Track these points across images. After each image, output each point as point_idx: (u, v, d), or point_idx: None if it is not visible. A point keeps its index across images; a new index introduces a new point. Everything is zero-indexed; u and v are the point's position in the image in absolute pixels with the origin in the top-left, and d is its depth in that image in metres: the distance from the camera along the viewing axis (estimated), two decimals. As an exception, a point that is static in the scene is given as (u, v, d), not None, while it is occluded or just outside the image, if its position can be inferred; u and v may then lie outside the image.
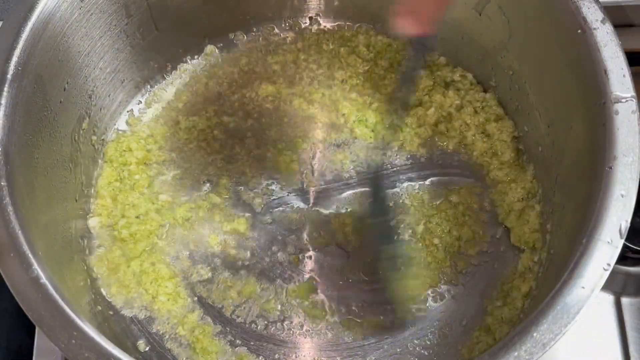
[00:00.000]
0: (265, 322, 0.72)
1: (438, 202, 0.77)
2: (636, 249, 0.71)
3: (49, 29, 0.65)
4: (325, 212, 0.78)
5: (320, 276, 0.75)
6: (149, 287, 0.73)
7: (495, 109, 0.80)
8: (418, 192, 0.78)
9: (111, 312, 0.72)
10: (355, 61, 0.85)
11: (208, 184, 0.79)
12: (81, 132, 0.74)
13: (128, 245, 0.75)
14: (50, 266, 0.56)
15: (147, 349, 0.71)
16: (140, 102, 0.85)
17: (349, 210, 0.78)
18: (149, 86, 0.85)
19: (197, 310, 0.73)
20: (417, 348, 0.71)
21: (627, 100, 0.57)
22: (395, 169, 0.80)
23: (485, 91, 0.82)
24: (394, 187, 0.79)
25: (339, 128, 0.82)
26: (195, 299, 0.74)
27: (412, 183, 0.79)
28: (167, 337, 0.71)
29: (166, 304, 0.73)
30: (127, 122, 0.83)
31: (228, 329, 0.72)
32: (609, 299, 0.74)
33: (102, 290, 0.72)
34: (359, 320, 0.72)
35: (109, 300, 0.72)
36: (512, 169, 0.78)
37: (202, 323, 0.72)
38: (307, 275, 0.75)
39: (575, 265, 0.52)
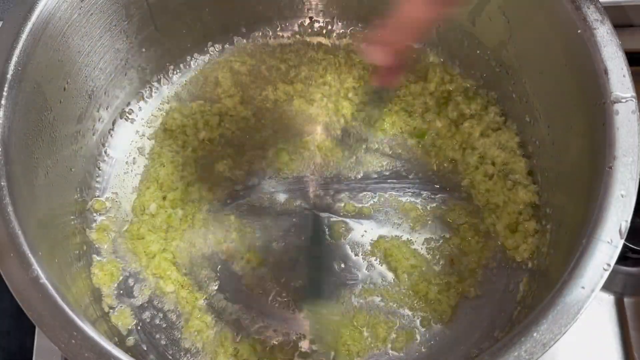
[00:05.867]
0: (266, 322, 0.72)
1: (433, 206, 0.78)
2: (636, 249, 0.71)
3: (49, 29, 0.65)
4: (325, 212, 0.78)
5: (321, 276, 0.74)
6: (149, 286, 0.73)
7: (497, 119, 0.80)
8: (417, 192, 0.78)
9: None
10: (355, 61, 0.85)
11: (207, 184, 0.79)
12: (81, 132, 0.74)
13: (128, 245, 0.75)
14: (50, 266, 0.56)
15: (146, 349, 0.71)
16: (141, 102, 0.85)
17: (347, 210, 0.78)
18: (149, 86, 0.85)
19: (197, 311, 0.73)
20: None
21: (627, 100, 0.57)
22: (394, 169, 0.80)
23: (488, 102, 0.81)
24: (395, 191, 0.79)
25: (338, 128, 0.82)
26: (197, 298, 0.73)
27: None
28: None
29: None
30: (127, 122, 0.83)
31: (228, 330, 0.72)
32: (609, 299, 0.74)
33: (102, 290, 0.73)
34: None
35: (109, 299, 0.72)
36: None
37: (202, 323, 0.72)
38: (307, 277, 0.75)
39: (575, 265, 0.52)
